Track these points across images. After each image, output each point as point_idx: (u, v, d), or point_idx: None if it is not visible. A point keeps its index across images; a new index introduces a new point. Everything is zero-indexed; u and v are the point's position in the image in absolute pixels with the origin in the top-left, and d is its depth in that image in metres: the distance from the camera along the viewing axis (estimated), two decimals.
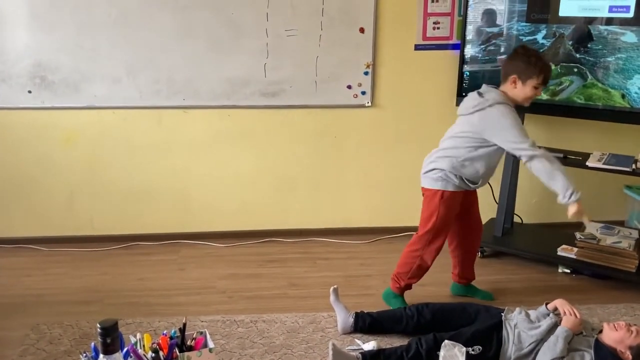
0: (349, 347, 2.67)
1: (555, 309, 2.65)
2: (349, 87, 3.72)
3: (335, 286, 2.93)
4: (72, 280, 3.37)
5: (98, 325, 1.65)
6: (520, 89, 2.80)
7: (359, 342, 2.73)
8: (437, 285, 3.31)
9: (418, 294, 3.21)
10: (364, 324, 2.81)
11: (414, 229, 3.97)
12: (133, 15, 3.47)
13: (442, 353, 2.30)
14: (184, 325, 2.20)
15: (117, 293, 3.24)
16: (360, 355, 2.52)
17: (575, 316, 2.55)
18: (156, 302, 3.15)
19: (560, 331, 2.48)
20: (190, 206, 3.85)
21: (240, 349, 2.70)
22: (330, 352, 2.45)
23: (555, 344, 2.44)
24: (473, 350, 2.50)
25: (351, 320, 2.82)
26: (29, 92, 3.55)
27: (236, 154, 3.80)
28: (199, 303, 3.13)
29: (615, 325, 2.52)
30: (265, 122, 3.75)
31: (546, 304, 2.68)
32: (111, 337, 1.67)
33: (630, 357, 2.45)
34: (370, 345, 2.66)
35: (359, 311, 2.86)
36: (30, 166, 3.70)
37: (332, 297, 2.90)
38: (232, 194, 3.86)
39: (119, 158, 3.74)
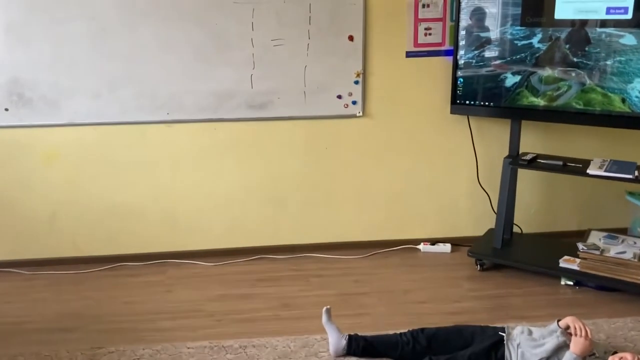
0: None
1: (568, 327, 2.51)
2: (339, 97, 3.59)
3: (327, 307, 2.79)
4: (54, 306, 3.22)
5: None
6: None
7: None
8: (437, 302, 3.18)
9: (417, 311, 3.09)
10: (358, 347, 2.68)
11: (411, 241, 3.87)
12: (113, 28, 3.33)
13: None
14: None
15: (100, 318, 3.08)
16: None
17: (586, 337, 2.40)
18: (142, 327, 3.00)
19: (568, 358, 2.33)
20: (177, 224, 3.71)
21: None
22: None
23: None
24: None
25: (344, 342, 2.68)
26: (6, 109, 3.41)
27: (224, 169, 3.66)
28: (186, 328, 2.98)
29: (621, 358, 2.35)
30: (253, 134, 3.61)
31: (558, 321, 2.54)
32: None
33: None
34: None
35: (352, 334, 2.72)
36: (9, 186, 3.55)
37: (324, 318, 2.77)
38: (220, 210, 3.72)
39: (101, 176, 3.60)
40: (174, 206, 3.68)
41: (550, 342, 2.44)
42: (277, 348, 2.76)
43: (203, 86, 3.47)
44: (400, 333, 2.70)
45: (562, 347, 2.42)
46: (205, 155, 3.62)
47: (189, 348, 2.77)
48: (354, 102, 3.61)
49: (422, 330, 2.68)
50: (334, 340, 2.70)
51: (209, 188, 3.67)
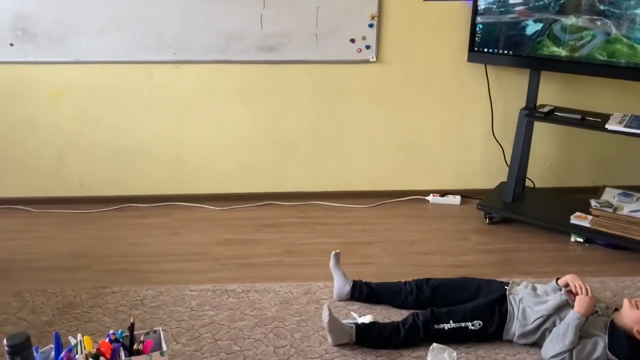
0: (345, 320, 2.52)
1: (567, 284, 2.47)
2: (352, 40, 3.46)
3: (336, 251, 2.78)
4: (60, 244, 3.24)
5: (5, 342, 1.40)
6: None
7: (355, 314, 2.59)
8: (443, 254, 3.15)
9: (422, 262, 3.06)
10: (361, 293, 2.68)
11: (420, 192, 3.81)
12: None
13: (429, 357, 2.15)
14: (132, 325, 1.99)
15: (105, 259, 3.10)
16: (354, 325, 2.39)
17: (587, 294, 2.36)
18: (146, 269, 3.01)
19: (571, 318, 2.29)
20: (185, 167, 3.68)
21: (230, 322, 2.57)
22: (326, 317, 2.34)
23: (564, 334, 2.27)
24: (473, 325, 2.39)
25: (348, 288, 2.69)
26: (11, 45, 3.34)
27: (232, 113, 3.59)
28: (190, 270, 2.99)
29: (637, 302, 2.34)
30: (262, 78, 3.52)
31: (557, 279, 2.50)
32: (21, 356, 1.40)
33: None
34: (366, 318, 2.51)
35: (357, 280, 2.72)
36: (17, 123, 3.53)
37: (332, 262, 2.76)
38: (228, 154, 3.67)
39: (108, 116, 3.55)
40: (182, 149, 3.64)
41: (553, 300, 2.40)
42: (279, 293, 2.76)
43: (211, 26, 3.36)
44: (405, 282, 2.69)
45: (564, 305, 2.37)
46: (213, 97, 3.55)
47: (192, 290, 2.78)
48: (368, 47, 3.48)
49: (427, 280, 2.66)
50: (339, 284, 2.70)
51: (217, 131, 3.62)
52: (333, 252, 2.77)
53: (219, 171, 3.70)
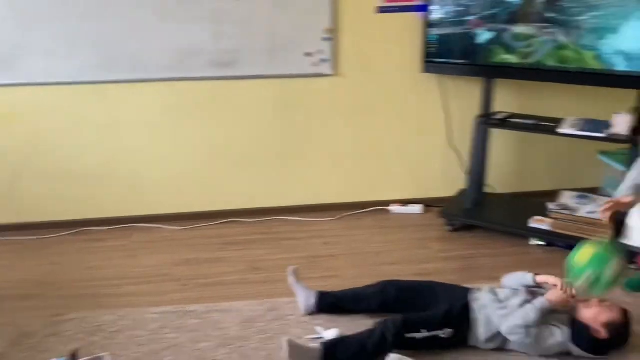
0: (309, 337, 2.49)
1: (541, 285, 2.51)
2: (308, 54, 3.46)
3: (293, 267, 2.76)
4: (14, 273, 3.13)
5: None
6: None
7: (319, 329, 2.56)
8: (406, 264, 3.15)
9: (386, 273, 3.05)
10: (327, 303, 2.66)
11: (382, 203, 3.82)
12: None
13: None
14: (75, 351, 1.89)
15: (62, 284, 3.00)
16: (321, 345, 2.35)
17: (565, 291, 2.39)
18: (104, 293, 2.92)
19: (539, 301, 2.35)
20: (142, 187, 3.61)
21: (192, 343, 2.50)
22: (286, 349, 2.27)
23: (527, 313, 2.33)
24: (444, 333, 2.38)
25: (313, 300, 2.67)
26: None
27: (190, 130, 3.54)
28: (150, 293, 2.92)
29: (588, 302, 2.43)
30: (220, 94, 3.49)
31: (535, 274, 2.52)
32: None
33: (605, 334, 2.34)
34: (331, 333, 2.48)
35: (321, 291, 2.70)
36: None
37: (291, 279, 2.74)
38: (188, 173, 3.62)
39: (63, 138, 3.46)
40: (139, 169, 3.57)
41: (514, 301, 2.43)
42: (243, 312, 2.71)
43: (165, 44, 3.32)
44: (369, 285, 2.68)
45: (525, 305, 2.41)
46: (170, 115, 3.50)
47: (153, 313, 2.70)
48: (324, 60, 3.49)
49: (392, 282, 2.65)
50: (304, 298, 2.67)
51: (175, 150, 3.56)
52: (290, 269, 2.75)
53: (179, 190, 3.64)
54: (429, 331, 2.37)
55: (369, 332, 2.39)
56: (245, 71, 3.44)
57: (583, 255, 2.31)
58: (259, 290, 2.92)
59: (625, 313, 2.41)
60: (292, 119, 3.60)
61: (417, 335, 2.36)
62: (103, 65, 3.32)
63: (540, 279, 2.50)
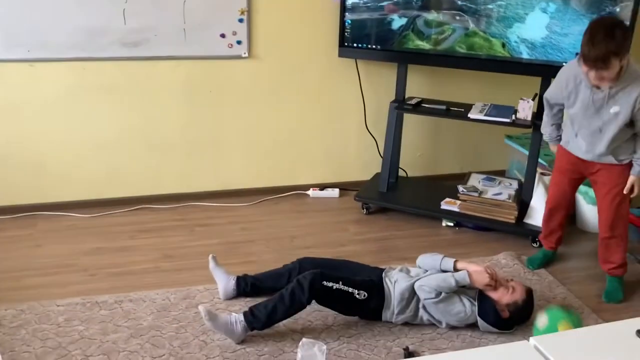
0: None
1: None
2: (223, 35, 3.38)
3: (212, 254, 2.73)
4: None
5: None
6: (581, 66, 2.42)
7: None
8: (323, 247, 3.17)
9: (303, 256, 3.05)
10: (247, 285, 2.66)
11: (300, 187, 3.82)
12: None
13: (299, 353, 2.16)
14: None
15: None
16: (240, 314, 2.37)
17: (487, 270, 2.47)
18: (5, 286, 2.75)
19: (460, 275, 2.43)
20: (46, 173, 3.40)
21: (102, 335, 2.40)
22: (207, 320, 2.31)
23: (446, 278, 2.41)
24: (359, 294, 2.44)
25: (232, 283, 2.65)
26: None
27: (97, 113, 3.37)
28: (55, 284, 2.77)
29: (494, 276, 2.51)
30: (129, 75, 3.34)
31: (455, 261, 2.58)
32: None
33: (507, 314, 2.46)
34: None
35: (240, 274, 2.68)
36: None
37: (211, 264, 2.71)
38: (95, 158, 3.45)
39: None
40: (43, 153, 3.37)
41: (425, 276, 2.52)
42: (155, 301, 2.63)
43: (68, 21, 3.13)
44: (287, 264, 2.70)
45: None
46: (75, 98, 3.31)
47: (58, 306, 2.57)
48: (239, 42, 3.42)
49: (308, 258, 2.70)
50: (223, 283, 2.65)
51: (81, 134, 3.38)
52: (210, 256, 2.73)
53: (86, 176, 3.47)
54: (344, 285, 2.41)
55: (285, 288, 2.41)
56: (157, 52, 3.30)
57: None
58: (173, 279, 2.84)
59: (528, 292, 2.54)
60: (206, 101, 3.51)
61: (335, 285, 2.40)
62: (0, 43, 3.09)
63: (461, 265, 2.55)
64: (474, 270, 2.47)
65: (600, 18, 2.59)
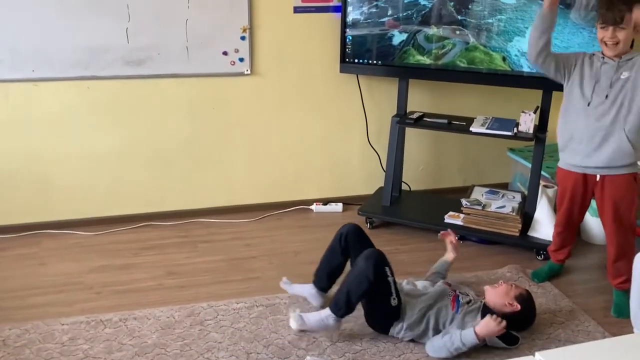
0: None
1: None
2: (225, 53, 3.41)
3: (284, 279, 2.80)
4: None
5: None
6: (598, 32, 2.57)
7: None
8: None
9: (308, 271, 3.02)
10: (325, 283, 2.72)
11: (304, 202, 3.82)
12: None
13: None
14: None
15: None
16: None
17: (497, 322, 2.40)
18: (10, 305, 2.75)
19: (468, 339, 2.36)
20: (51, 192, 3.41)
21: (107, 353, 2.40)
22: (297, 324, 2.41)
23: (456, 350, 2.37)
24: (394, 300, 2.45)
25: (314, 290, 2.71)
26: None
27: (101, 131, 3.39)
28: (60, 303, 2.77)
29: (495, 284, 2.59)
30: (132, 94, 3.37)
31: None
32: None
33: (518, 306, 2.49)
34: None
35: (314, 279, 2.74)
36: None
37: (285, 286, 2.77)
38: (99, 175, 3.46)
39: None
40: (47, 172, 3.38)
41: (433, 291, 2.57)
42: (160, 319, 2.63)
43: (72, 40, 3.16)
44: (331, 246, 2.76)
45: (443, 294, 2.55)
46: (79, 116, 3.33)
47: (62, 325, 2.57)
48: (241, 59, 3.45)
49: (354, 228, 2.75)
50: (308, 294, 2.72)
51: (85, 152, 3.40)
52: (283, 280, 2.78)
53: (90, 194, 3.48)
54: (393, 283, 2.44)
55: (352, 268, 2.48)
56: (160, 69, 3.33)
57: None
58: (177, 296, 2.84)
59: (528, 291, 2.59)
60: (209, 118, 3.53)
61: (389, 277, 2.43)
62: (3, 63, 3.11)
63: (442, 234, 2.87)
64: (484, 322, 2.40)
65: None
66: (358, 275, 2.40)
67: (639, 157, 2.61)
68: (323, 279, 2.71)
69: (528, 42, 2.69)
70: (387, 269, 2.44)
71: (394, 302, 2.44)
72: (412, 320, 2.47)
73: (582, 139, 2.62)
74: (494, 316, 2.39)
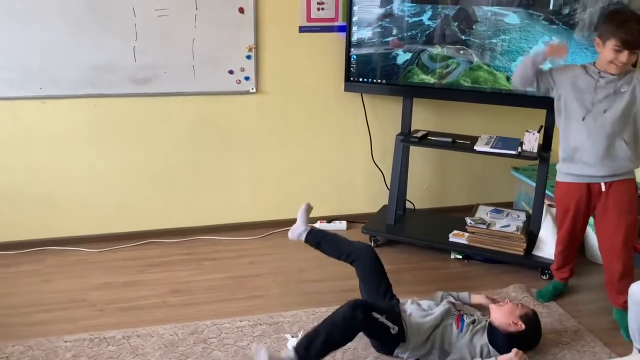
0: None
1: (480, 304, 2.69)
2: (231, 72, 3.44)
3: (308, 203, 3.04)
4: None
5: None
6: (601, 51, 2.58)
7: (288, 336, 2.58)
8: (332, 280, 3.15)
9: (312, 290, 3.07)
10: (315, 240, 2.92)
11: (309, 220, 3.80)
12: None
13: None
14: None
15: None
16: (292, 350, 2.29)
17: (518, 356, 2.43)
18: (14, 322, 2.75)
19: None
20: (56, 208, 3.43)
21: None
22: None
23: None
24: (393, 329, 2.42)
25: (303, 230, 2.93)
26: None
27: (107, 149, 3.42)
28: (64, 320, 2.77)
29: (501, 302, 2.60)
30: (139, 112, 3.39)
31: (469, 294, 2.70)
32: None
33: (523, 325, 2.47)
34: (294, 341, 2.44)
35: (314, 228, 2.97)
36: None
37: (304, 207, 3.00)
38: (104, 192, 3.48)
39: None
40: (52, 189, 3.40)
41: (438, 311, 2.57)
42: (163, 336, 2.62)
43: (79, 59, 3.20)
44: (355, 242, 2.88)
45: (448, 313, 2.56)
46: (85, 134, 3.36)
47: (66, 342, 2.56)
48: (247, 78, 3.48)
49: (366, 253, 2.82)
50: (298, 225, 2.94)
51: (90, 169, 3.42)
52: (307, 204, 3.02)
53: (95, 211, 3.49)
54: (387, 319, 2.42)
55: (336, 315, 2.37)
56: (166, 88, 3.36)
57: None
58: (180, 314, 2.84)
59: (534, 311, 2.58)
60: (215, 136, 3.55)
61: (380, 318, 2.40)
62: (12, 81, 3.15)
63: (475, 299, 2.81)
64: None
65: (616, 9, 2.75)
66: (344, 331, 2.33)
67: (637, 165, 2.66)
68: (318, 236, 2.93)
69: (512, 81, 2.78)
70: (374, 314, 2.39)
71: (393, 331, 2.42)
72: (418, 342, 2.46)
73: (586, 149, 2.64)
74: (520, 352, 2.41)
